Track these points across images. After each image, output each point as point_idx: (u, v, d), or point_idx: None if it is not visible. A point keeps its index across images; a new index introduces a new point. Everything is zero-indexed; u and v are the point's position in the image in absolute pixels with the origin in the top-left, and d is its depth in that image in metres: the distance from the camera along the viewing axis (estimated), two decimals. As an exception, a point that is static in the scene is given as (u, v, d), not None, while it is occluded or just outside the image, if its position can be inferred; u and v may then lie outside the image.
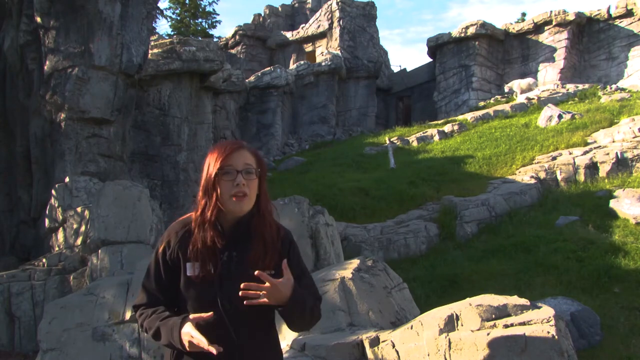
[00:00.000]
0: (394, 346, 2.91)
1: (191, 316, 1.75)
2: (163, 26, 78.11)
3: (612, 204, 10.51)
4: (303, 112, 24.36)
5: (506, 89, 22.98)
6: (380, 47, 28.41)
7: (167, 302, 1.93)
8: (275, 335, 2.03)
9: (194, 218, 1.89)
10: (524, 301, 2.61)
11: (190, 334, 1.71)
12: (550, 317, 2.42)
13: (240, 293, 1.73)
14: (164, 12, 30.67)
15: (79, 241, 7.65)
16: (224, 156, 1.83)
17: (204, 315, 1.73)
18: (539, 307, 2.57)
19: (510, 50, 25.29)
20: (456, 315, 2.65)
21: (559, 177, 12.78)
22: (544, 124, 17.17)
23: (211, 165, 1.84)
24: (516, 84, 22.28)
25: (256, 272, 1.73)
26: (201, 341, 1.68)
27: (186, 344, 1.72)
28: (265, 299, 1.74)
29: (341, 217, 11.38)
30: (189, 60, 13.69)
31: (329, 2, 27.26)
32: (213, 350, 1.67)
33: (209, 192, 1.85)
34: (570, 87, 22.00)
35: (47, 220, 8.57)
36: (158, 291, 1.93)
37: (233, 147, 1.86)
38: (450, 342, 2.56)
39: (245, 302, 1.74)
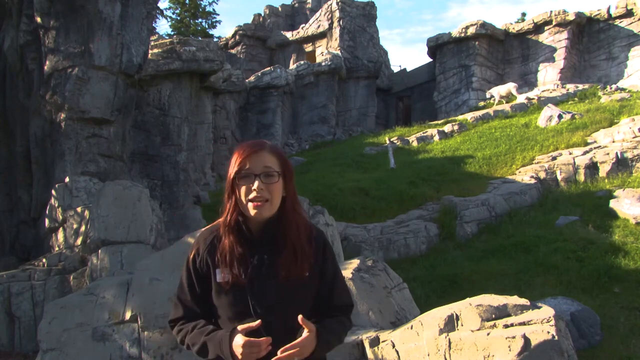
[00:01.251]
0: (394, 346, 2.91)
1: (239, 327, 1.69)
2: (163, 26, 78.18)
3: (612, 204, 10.51)
4: (303, 112, 24.36)
5: (487, 95, 23.03)
6: (380, 47, 28.41)
7: (204, 313, 1.86)
8: None
9: (222, 223, 1.82)
10: (524, 301, 2.62)
11: (243, 344, 1.65)
12: (550, 317, 2.42)
13: None
14: (164, 12, 30.71)
15: (79, 241, 7.65)
16: (242, 158, 1.74)
17: (252, 324, 1.67)
18: (539, 307, 2.57)
19: (510, 50, 25.29)
20: (456, 315, 2.65)
21: (559, 177, 12.78)
22: (544, 124, 17.17)
23: (231, 167, 1.77)
24: (496, 91, 22.33)
25: (300, 318, 1.70)
26: (261, 343, 1.64)
27: (239, 356, 1.66)
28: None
29: (341, 217, 11.38)
30: (189, 60, 13.68)
31: (329, 2, 27.26)
32: (268, 345, 1.64)
33: (229, 196, 1.79)
34: (570, 87, 22.00)
35: (47, 220, 8.56)
36: (193, 303, 1.86)
37: (252, 149, 1.76)
38: (450, 342, 2.56)
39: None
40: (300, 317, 1.68)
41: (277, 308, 1.75)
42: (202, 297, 1.85)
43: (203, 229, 1.94)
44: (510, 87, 22.11)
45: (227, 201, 1.80)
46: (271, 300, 1.75)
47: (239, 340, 1.66)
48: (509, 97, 21.95)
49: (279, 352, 1.65)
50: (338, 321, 1.88)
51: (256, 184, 1.72)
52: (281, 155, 1.83)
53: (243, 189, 1.74)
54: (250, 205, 1.73)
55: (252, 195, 1.72)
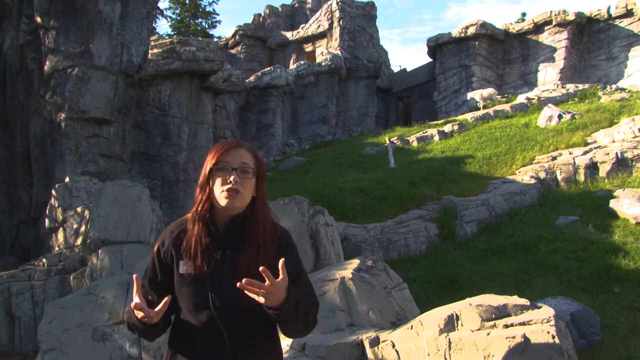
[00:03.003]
0: (394, 346, 2.91)
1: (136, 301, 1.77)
2: (163, 26, 78.33)
3: (612, 204, 10.51)
4: (303, 112, 24.36)
5: (468, 97, 22.98)
6: (380, 47, 28.41)
7: (159, 301, 1.87)
8: (273, 335, 1.95)
9: (191, 214, 1.88)
10: (524, 301, 2.61)
11: (134, 303, 1.74)
12: (550, 317, 2.42)
13: (238, 285, 1.66)
14: (164, 12, 30.73)
15: (79, 241, 7.65)
16: (221, 152, 1.83)
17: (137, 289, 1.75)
18: (539, 307, 2.57)
19: (511, 50, 25.29)
20: (456, 315, 2.65)
21: (559, 177, 12.78)
22: (544, 124, 17.17)
23: (208, 161, 1.85)
24: (478, 94, 22.32)
25: (261, 268, 1.67)
26: (136, 302, 1.72)
27: (138, 316, 1.77)
28: (262, 298, 1.67)
29: (341, 217, 11.38)
30: (189, 60, 13.69)
31: (329, 2, 27.26)
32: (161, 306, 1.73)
33: (203, 187, 1.85)
34: (570, 87, 22.00)
35: (47, 220, 8.57)
36: (150, 289, 1.90)
37: (231, 145, 1.87)
38: (450, 342, 2.56)
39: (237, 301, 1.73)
40: (261, 268, 1.67)
41: (234, 302, 1.79)
42: (161, 286, 1.89)
43: (172, 223, 2.00)
44: (490, 91, 22.14)
45: (199, 194, 1.87)
46: (230, 294, 1.79)
47: (134, 301, 1.76)
48: (491, 100, 21.96)
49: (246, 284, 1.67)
50: (303, 294, 1.87)
51: (232, 176, 1.80)
52: (257, 156, 1.91)
53: (219, 181, 1.81)
54: (223, 194, 1.80)
55: (227, 186, 1.79)
